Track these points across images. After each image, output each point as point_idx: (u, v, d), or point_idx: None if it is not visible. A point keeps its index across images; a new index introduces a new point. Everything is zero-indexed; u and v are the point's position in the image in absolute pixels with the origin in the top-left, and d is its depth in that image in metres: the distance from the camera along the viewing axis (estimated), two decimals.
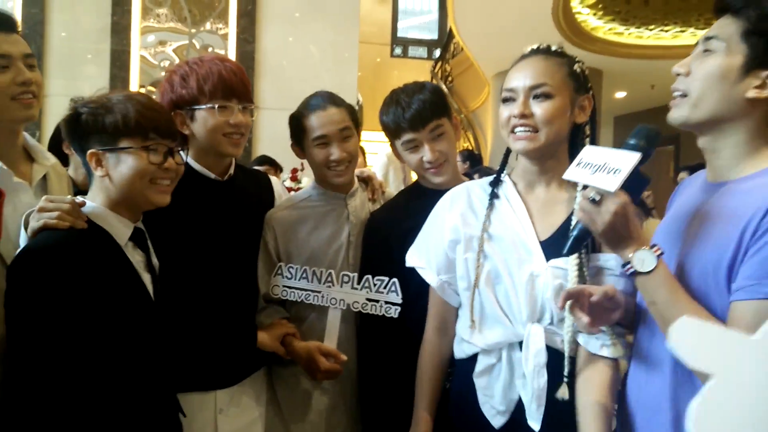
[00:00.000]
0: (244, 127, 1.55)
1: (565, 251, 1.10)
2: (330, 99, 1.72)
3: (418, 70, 11.17)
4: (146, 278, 1.30)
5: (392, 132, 1.64)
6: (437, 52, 10.90)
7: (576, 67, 1.31)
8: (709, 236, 1.02)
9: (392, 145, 1.70)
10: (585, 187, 1.09)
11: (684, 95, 1.06)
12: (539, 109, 1.25)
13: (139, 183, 1.24)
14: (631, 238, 1.02)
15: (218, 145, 1.54)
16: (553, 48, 1.33)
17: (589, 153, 1.08)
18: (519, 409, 1.27)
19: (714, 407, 0.41)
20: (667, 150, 9.64)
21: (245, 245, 1.67)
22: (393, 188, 2.27)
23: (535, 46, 1.34)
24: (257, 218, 1.71)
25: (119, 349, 1.19)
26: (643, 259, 1.01)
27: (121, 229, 1.27)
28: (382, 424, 1.66)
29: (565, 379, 1.21)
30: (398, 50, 11.57)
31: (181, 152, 1.37)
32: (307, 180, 4.48)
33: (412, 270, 1.50)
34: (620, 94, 8.89)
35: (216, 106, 1.49)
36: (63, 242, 1.16)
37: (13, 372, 1.13)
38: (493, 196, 1.36)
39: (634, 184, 1.00)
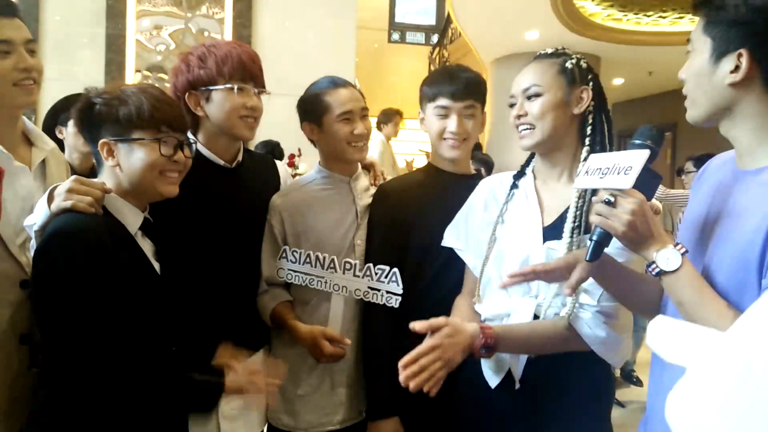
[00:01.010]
0: (258, 111, 1.57)
1: (587, 258, 1.09)
2: (346, 81, 1.79)
3: (416, 56, 11.12)
4: (156, 266, 1.33)
5: (429, 95, 1.72)
6: (435, 38, 10.84)
7: (568, 63, 1.42)
8: (736, 228, 1.00)
9: (421, 111, 1.77)
10: (594, 193, 1.10)
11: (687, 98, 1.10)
12: (530, 107, 1.40)
13: (149, 174, 1.26)
14: (653, 236, 1.00)
15: (234, 127, 1.54)
16: (550, 51, 1.46)
17: (595, 160, 1.09)
18: (510, 371, 1.42)
19: (689, 399, 0.43)
20: (665, 137, 9.65)
21: (254, 231, 1.69)
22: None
23: (539, 53, 1.48)
24: (266, 203, 1.73)
25: (134, 332, 1.22)
26: (667, 258, 0.98)
27: (132, 218, 1.30)
28: (389, 403, 1.68)
29: None
30: (396, 36, 11.50)
31: (192, 145, 1.38)
32: (305, 166, 4.48)
33: (423, 244, 1.62)
34: (618, 81, 8.87)
35: (235, 87, 1.50)
36: (94, 225, 1.19)
37: (48, 348, 1.19)
38: (513, 186, 1.50)
39: (646, 182, 1.00)
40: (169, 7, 4.40)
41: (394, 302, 1.60)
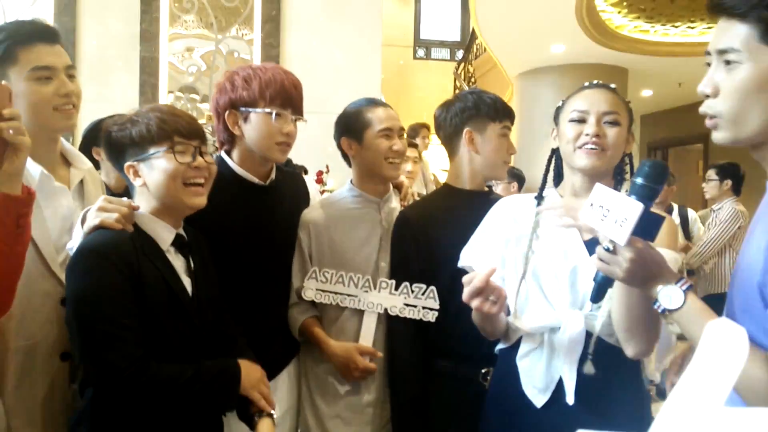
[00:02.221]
0: (293, 137, 1.60)
1: (591, 298, 1.12)
2: (383, 102, 1.85)
3: (441, 72, 11.17)
4: (186, 282, 1.35)
5: (496, 115, 1.75)
6: (460, 54, 10.88)
7: (629, 105, 1.47)
8: (745, 250, 0.98)
9: (470, 129, 1.75)
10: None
11: (716, 116, 0.98)
12: (610, 132, 1.39)
13: (173, 185, 1.29)
14: (654, 278, 1.02)
15: (267, 150, 1.57)
16: (612, 86, 1.47)
17: (599, 193, 1.07)
18: (559, 389, 1.36)
19: None
20: (695, 148, 9.48)
21: (287, 248, 1.73)
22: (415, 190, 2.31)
23: (595, 82, 1.48)
24: (291, 221, 1.76)
25: (161, 344, 1.26)
26: (669, 296, 0.99)
27: (164, 234, 1.33)
28: (416, 425, 1.69)
29: (590, 357, 1.29)
30: (421, 52, 11.58)
31: (221, 153, 1.42)
32: (333, 182, 4.52)
33: (450, 269, 1.57)
34: (646, 93, 8.77)
35: (274, 112, 1.53)
36: (120, 242, 1.23)
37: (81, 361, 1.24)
38: (540, 198, 1.48)
39: (646, 226, 0.99)
40: (200, 29, 4.52)
41: (431, 317, 1.65)
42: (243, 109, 1.54)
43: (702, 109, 1.00)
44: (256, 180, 1.63)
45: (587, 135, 1.38)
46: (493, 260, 1.49)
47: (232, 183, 1.60)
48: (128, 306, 1.20)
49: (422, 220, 1.74)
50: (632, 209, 0.98)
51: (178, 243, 1.36)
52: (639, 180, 1.03)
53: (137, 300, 1.22)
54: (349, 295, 1.70)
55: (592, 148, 1.38)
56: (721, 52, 0.96)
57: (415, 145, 3.73)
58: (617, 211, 1.00)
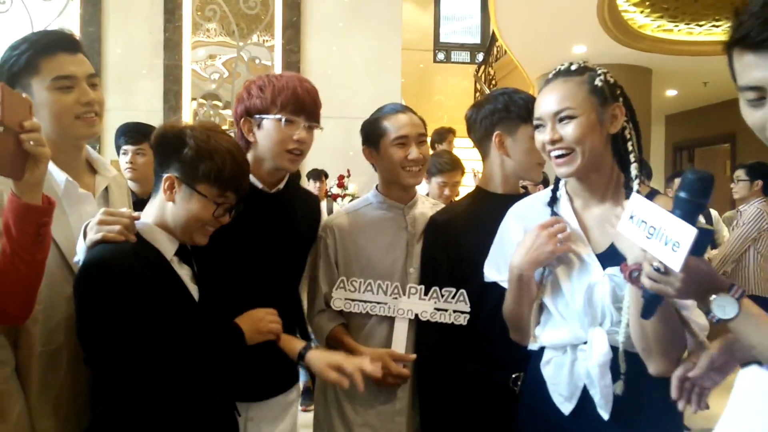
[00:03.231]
0: (305, 145, 1.58)
1: (642, 315, 1.08)
2: (406, 107, 1.82)
3: (461, 75, 11.15)
4: (193, 289, 1.37)
5: (528, 115, 1.60)
6: (480, 56, 10.84)
7: (597, 81, 1.32)
8: None
9: (500, 132, 1.69)
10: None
11: None
12: (565, 131, 1.30)
13: (193, 225, 1.33)
14: (706, 290, 0.99)
15: (277, 157, 1.56)
16: (573, 67, 1.35)
17: (640, 207, 1.03)
18: (585, 396, 1.33)
19: None
20: (723, 148, 9.31)
21: (284, 260, 1.67)
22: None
23: (556, 69, 1.37)
24: (299, 235, 1.72)
25: (172, 351, 1.27)
26: (723, 306, 0.97)
27: (167, 245, 1.34)
28: (442, 428, 1.68)
29: (622, 377, 1.26)
30: (441, 56, 11.57)
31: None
32: (354, 186, 4.53)
33: (474, 270, 1.57)
34: (671, 92, 8.64)
35: (283, 118, 1.53)
36: (123, 255, 1.25)
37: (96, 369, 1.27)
38: (553, 214, 1.42)
39: (698, 243, 0.94)
40: (222, 37, 4.58)
41: (463, 320, 1.64)
42: (257, 116, 1.55)
43: None
44: (260, 185, 1.62)
45: (548, 144, 1.33)
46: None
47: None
48: (135, 319, 1.22)
49: (452, 224, 1.73)
50: (686, 234, 0.93)
51: (181, 252, 1.38)
52: (683, 194, 0.98)
53: (145, 311, 1.23)
54: (378, 303, 1.70)
55: (559, 155, 1.32)
56: None
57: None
58: (668, 233, 0.96)
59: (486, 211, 1.67)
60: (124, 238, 1.27)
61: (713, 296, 0.97)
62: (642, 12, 6.13)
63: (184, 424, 1.30)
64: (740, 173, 4.16)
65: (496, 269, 1.52)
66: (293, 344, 1.51)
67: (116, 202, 1.55)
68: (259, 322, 1.44)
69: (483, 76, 9.96)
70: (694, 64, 6.91)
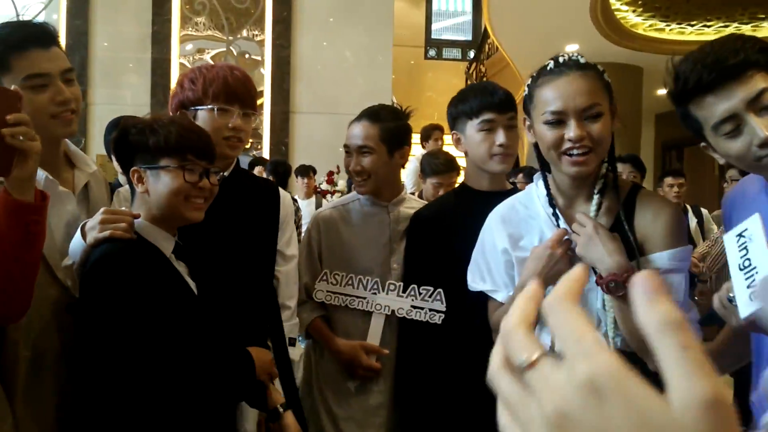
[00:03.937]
0: (243, 132, 1.60)
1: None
2: (369, 114, 1.80)
3: (452, 72, 11.13)
4: (192, 285, 1.37)
5: (472, 112, 1.65)
6: (471, 53, 10.83)
7: (605, 76, 1.31)
8: None
9: (455, 132, 1.71)
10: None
11: None
12: (594, 129, 1.23)
13: (175, 199, 1.31)
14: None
15: (217, 146, 1.53)
16: (582, 60, 1.30)
17: (756, 228, 1.00)
18: None
19: None
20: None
21: (235, 249, 1.62)
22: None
23: (560, 59, 1.31)
24: (249, 224, 1.65)
25: (178, 344, 1.27)
26: None
27: (165, 242, 1.35)
28: (419, 424, 1.68)
29: None
30: (432, 52, 11.54)
31: (219, 173, 1.41)
32: (343, 183, 4.50)
33: (462, 270, 1.53)
34: (662, 92, 8.67)
35: (215, 108, 1.54)
36: (133, 251, 1.26)
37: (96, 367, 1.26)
38: (555, 215, 1.35)
39: None
40: (211, 31, 4.53)
41: (438, 319, 1.64)
42: (191, 108, 1.56)
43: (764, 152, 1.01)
44: None
45: (570, 141, 1.22)
46: (504, 284, 1.44)
47: None
48: (147, 315, 1.22)
49: (434, 220, 1.74)
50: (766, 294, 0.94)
51: (177, 249, 1.38)
52: None
53: (156, 307, 1.24)
54: (357, 297, 1.72)
55: (579, 154, 1.23)
56: (755, 99, 1.00)
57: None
58: (758, 278, 0.95)
59: (468, 207, 1.67)
60: (129, 236, 1.27)
61: None
62: (634, 11, 6.14)
63: (176, 424, 1.28)
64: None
65: (480, 278, 1.48)
66: (275, 395, 1.45)
67: (97, 199, 1.52)
68: (269, 365, 1.43)
69: (474, 73, 9.95)
70: None
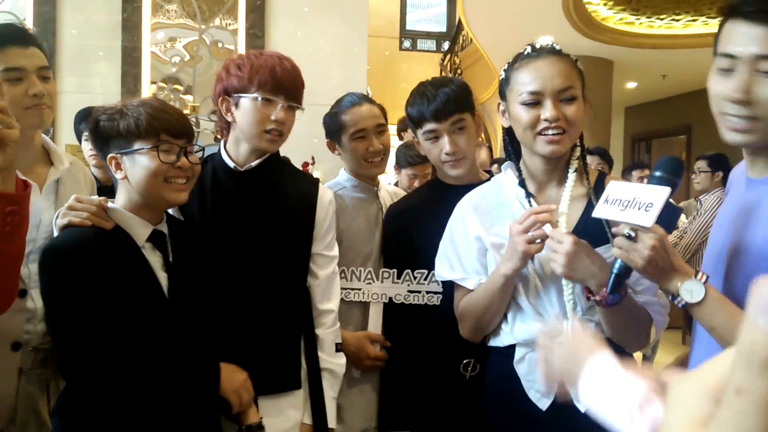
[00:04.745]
0: (285, 125, 1.53)
1: (608, 289, 1.10)
2: (364, 97, 1.81)
3: (427, 63, 11.14)
4: (162, 277, 1.33)
5: (415, 121, 1.68)
6: (446, 45, 10.85)
7: (579, 64, 1.35)
8: (756, 238, 1.01)
9: (415, 136, 1.74)
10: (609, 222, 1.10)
11: (751, 119, 0.99)
12: (569, 111, 1.28)
13: (154, 182, 1.29)
14: (674, 270, 1.02)
15: (255, 138, 1.51)
16: (557, 47, 1.34)
17: (615, 188, 1.08)
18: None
19: None
20: (679, 139, 9.56)
21: (264, 244, 1.55)
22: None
23: (538, 46, 1.34)
24: (280, 218, 1.58)
25: (136, 341, 1.25)
26: (691, 290, 1.00)
27: (139, 230, 1.32)
28: (400, 412, 1.72)
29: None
30: (407, 43, 11.53)
31: (200, 151, 1.40)
32: (318, 174, 4.49)
33: (430, 260, 1.56)
34: (631, 85, 8.82)
35: (260, 97, 1.48)
36: (83, 240, 1.23)
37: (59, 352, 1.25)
38: (528, 195, 1.37)
39: (666, 216, 1.00)
40: (183, 19, 4.46)
41: (436, 300, 1.67)
42: (235, 95, 1.51)
43: (733, 111, 1.00)
44: (232, 164, 1.56)
45: (546, 120, 1.27)
46: (475, 271, 1.45)
47: (215, 167, 1.59)
48: (92, 303, 1.20)
49: (406, 213, 1.76)
50: (659, 193, 0.99)
51: (155, 238, 1.35)
52: (659, 173, 1.04)
53: (104, 296, 1.21)
54: (353, 289, 1.73)
55: (555, 134, 1.28)
56: (761, 58, 0.95)
57: None
58: (641, 199, 1.00)
59: (442, 199, 1.68)
60: (91, 223, 1.25)
61: (680, 282, 1.00)
62: (605, 5, 6.22)
63: (153, 412, 1.27)
64: (702, 164, 4.25)
65: (449, 267, 1.50)
66: (250, 415, 1.40)
67: (67, 194, 1.52)
68: (241, 385, 1.36)
69: (449, 65, 9.98)
70: (653, 57, 7.06)
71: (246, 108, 1.50)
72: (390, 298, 1.71)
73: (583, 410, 1.29)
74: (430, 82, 1.70)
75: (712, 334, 1.00)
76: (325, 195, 1.65)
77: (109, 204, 1.34)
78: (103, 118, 1.31)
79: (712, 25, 6.42)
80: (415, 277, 1.68)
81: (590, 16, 6.26)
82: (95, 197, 1.34)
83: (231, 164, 1.56)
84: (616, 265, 1.08)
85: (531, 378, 1.37)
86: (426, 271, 1.66)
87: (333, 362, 1.59)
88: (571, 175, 1.36)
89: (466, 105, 1.65)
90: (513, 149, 1.44)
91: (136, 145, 1.28)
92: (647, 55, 7.01)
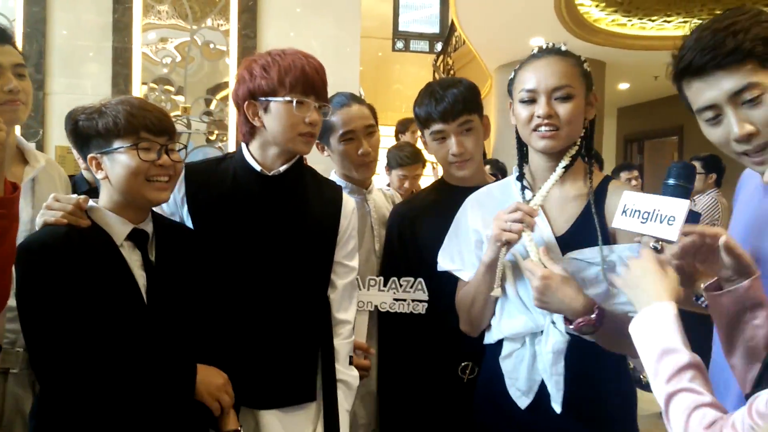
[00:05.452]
0: (318, 126, 1.48)
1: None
2: (353, 97, 1.78)
3: (419, 64, 11.15)
4: (140, 276, 1.31)
5: (423, 122, 1.68)
6: (439, 46, 10.86)
7: (585, 66, 1.38)
8: None
9: (422, 135, 1.75)
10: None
11: (765, 146, 1.02)
12: (562, 109, 1.31)
13: (135, 181, 1.27)
14: (697, 272, 1.08)
15: (289, 142, 1.45)
16: (563, 48, 1.37)
17: (631, 199, 1.10)
18: (542, 391, 1.34)
19: None
20: (671, 140, 9.61)
21: (288, 251, 1.50)
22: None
23: (544, 46, 1.38)
24: (307, 225, 1.53)
25: (109, 341, 1.23)
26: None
27: (118, 228, 1.30)
28: (400, 416, 1.71)
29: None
30: (400, 44, 11.53)
31: (183, 149, 1.38)
32: None
33: (436, 263, 1.56)
34: (623, 86, 8.85)
35: (294, 100, 1.41)
36: (52, 237, 1.22)
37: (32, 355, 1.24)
38: (523, 189, 1.41)
39: (690, 219, 1.04)
40: (174, 20, 4.43)
41: (421, 309, 1.65)
42: (262, 99, 1.43)
43: (746, 146, 1.03)
44: (258, 168, 1.50)
45: (539, 117, 1.31)
46: (472, 264, 1.47)
47: (240, 171, 1.51)
48: (61, 301, 1.19)
49: (410, 214, 1.75)
50: (679, 207, 1.02)
51: (136, 237, 1.32)
52: (672, 181, 1.07)
53: (75, 293, 1.20)
54: None
55: (546, 130, 1.31)
56: (742, 90, 1.00)
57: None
58: (662, 212, 1.04)
59: (445, 201, 1.68)
60: (67, 222, 1.23)
61: (703, 284, 1.06)
62: (597, 6, 6.24)
63: (127, 414, 1.24)
64: (696, 166, 4.29)
65: (450, 258, 1.52)
66: (228, 421, 1.35)
67: (43, 193, 1.51)
68: (218, 388, 1.32)
69: (442, 66, 9.98)
70: (645, 59, 7.09)
71: (278, 112, 1.42)
72: (376, 306, 1.69)
73: (558, 411, 1.30)
74: (438, 83, 1.70)
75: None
76: (349, 203, 1.62)
77: (91, 203, 1.32)
78: (82, 118, 1.29)
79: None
80: (401, 285, 1.66)
81: (582, 18, 6.28)
82: (73, 196, 1.32)
83: (257, 168, 1.50)
84: None
85: (514, 375, 1.37)
86: (412, 279, 1.65)
87: (348, 374, 1.55)
88: (558, 170, 1.37)
89: (474, 106, 1.66)
90: (520, 147, 1.47)
91: (116, 144, 1.26)
92: (639, 57, 7.04)
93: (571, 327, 1.21)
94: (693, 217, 1.05)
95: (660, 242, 1.05)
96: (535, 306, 1.26)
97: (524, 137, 1.38)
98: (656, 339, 0.92)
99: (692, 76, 1.04)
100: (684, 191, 1.06)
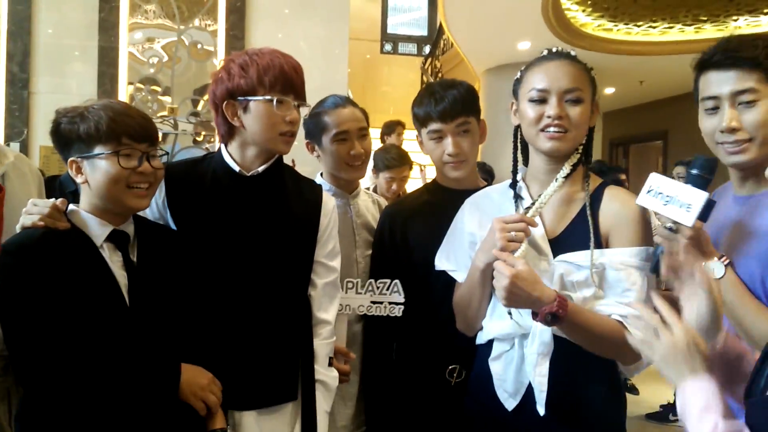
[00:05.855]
0: (297, 125, 1.47)
1: (650, 270, 1.25)
2: (348, 99, 1.78)
3: (408, 66, 11.16)
4: (121, 276, 1.30)
5: (421, 120, 1.69)
6: (427, 49, 10.89)
7: (592, 73, 1.41)
8: (749, 250, 1.21)
9: (419, 135, 1.75)
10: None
11: (741, 141, 1.23)
12: (572, 112, 1.33)
13: (114, 188, 1.26)
14: (705, 254, 1.19)
15: (270, 142, 1.45)
16: (573, 53, 1.40)
17: (657, 181, 1.20)
18: (529, 393, 1.34)
19: None
20: (655, 145, 9.71)
21: (267, 251, 1.49)
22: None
23: (554, 49, 1.40)
24: (286, 225, 1.52)
25: (90, 341, 1.22)
26: (713, 269, 1.19)
27: (97, 230, 1.30)
28: (384, 418, 1.71)
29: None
30: (388, 47, 11.55)
31: (165, 155, 1.37)
32: None
33: (426, 264, 1.57)
34: (609, 90, 8.93)
35: (275, 99, 1.40)
36: (28, 239, 1.22)
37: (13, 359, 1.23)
38: (516, 198, 1.43)
39: (707, 207, 1.14)
40: (161, 19, 4.41)
41: (398, 311, 1.64)
42: (242, 98, 1.42)
43: (730, 139, 1.23)
44: (237, 168, 1.49)
45: (549, 117, 1.31)
46: (465, 265, 1.46)
47: (219, 172, 1.50)
48: (39, 302, 1.18)
49: (402, 215, 1.75)
50: (698, 197, 1.13)
51: (116, 238, 1.32)
52: (695, 171, 1.17)
53: (54, 295, 1.19)
54: None
55: (555, 131, 1.32)
56: (739, 93, 1.22)
57: None
58: (682, 198, 1.15)
59: (437, 203, 1.69)
60: (44, 224, 1.23)
61: (706, 263, 1.18)
62: (584, 11, 6.29)
63: (111, 416, 1.23)
64: (680, 170, 4.31)
65: (446, 258, 1.53)
66: (215, 420, 1.34)
67: (16, 189, 1.50)
68: (202, 388, 1.31)
69: (430, 68, 10.00)
70: (631, 63, 7.15)
71: (258, 112, 1.42)
72: (353, 310, 1.67)
73: (542, 413, 1.30)
74: (438, 83, 1.71)
75: (723, 308, 1.12)
76: (329, 201, 1.62)
77: (71, 206, 1.31)
78: (64, 121, 1.27)
79: (688, 32, 6.53)
80: (377, 287, 1.65)
81: (569, 22, 6.33)
82: (51, 200, 1.30)
83: (236, 168, 1.49)
84: (659, 249, 1.21)
85: (502, 377, 1.38)
86: (388, 281, 1.64)
87: (328, 375, 1.54)
88: (560, 180, 1.38)
89: (473, 108, 1.67)
90: (522, 148, 1.47)
91: (97, 150, 1.25)
92: (625, 62, 7.10)
93: (537, 319, 1.23)
94: (711, 203, 1.15)
95: (676, 224, 1.16)
96: (504, 306, 1.27)
97: (529, 138, 1.38)
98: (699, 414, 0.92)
99: (711, 67, 1.24)
100: (704, 182, 1.16)
